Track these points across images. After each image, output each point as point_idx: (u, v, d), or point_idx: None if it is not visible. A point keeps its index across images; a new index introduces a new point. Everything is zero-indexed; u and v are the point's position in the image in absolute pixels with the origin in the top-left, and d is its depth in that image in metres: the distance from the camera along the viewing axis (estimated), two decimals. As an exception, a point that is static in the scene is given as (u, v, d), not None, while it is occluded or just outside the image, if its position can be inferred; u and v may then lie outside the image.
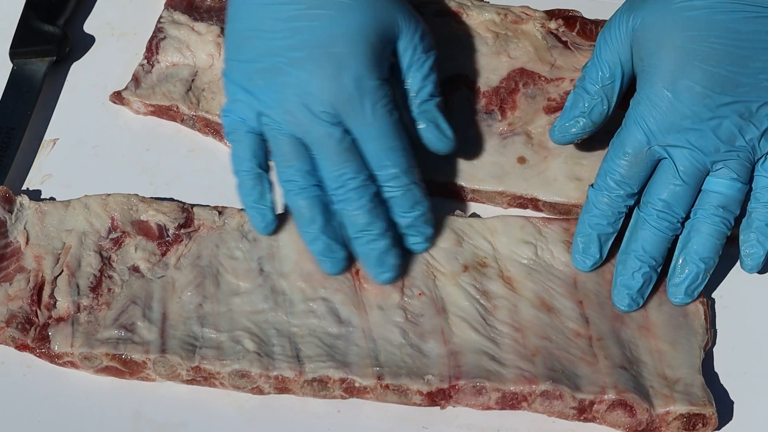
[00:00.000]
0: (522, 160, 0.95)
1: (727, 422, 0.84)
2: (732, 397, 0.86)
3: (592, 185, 0.90)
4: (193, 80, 1.00)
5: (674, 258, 0.88)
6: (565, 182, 0.94)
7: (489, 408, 0.84)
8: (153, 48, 1.01)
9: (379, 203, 0.88)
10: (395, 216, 0.89)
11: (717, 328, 0.89)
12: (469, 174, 0.95)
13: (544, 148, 0.96)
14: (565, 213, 0.94)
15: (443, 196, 0.96)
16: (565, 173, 0.94)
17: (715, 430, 0.83)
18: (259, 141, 0.89)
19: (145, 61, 1.01)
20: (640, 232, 0.88)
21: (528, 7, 1.02)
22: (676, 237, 0.88)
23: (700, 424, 0.82)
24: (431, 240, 0.90)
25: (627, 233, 0.89)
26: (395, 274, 0.88)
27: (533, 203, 0.94)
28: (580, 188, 0.94)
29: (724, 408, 0.85)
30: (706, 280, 0.88)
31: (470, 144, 0.96)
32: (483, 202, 0.96)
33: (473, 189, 0.95)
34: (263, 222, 0.90)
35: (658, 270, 0.88)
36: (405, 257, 0.89)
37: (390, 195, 0.88)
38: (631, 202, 0.89)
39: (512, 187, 0.94)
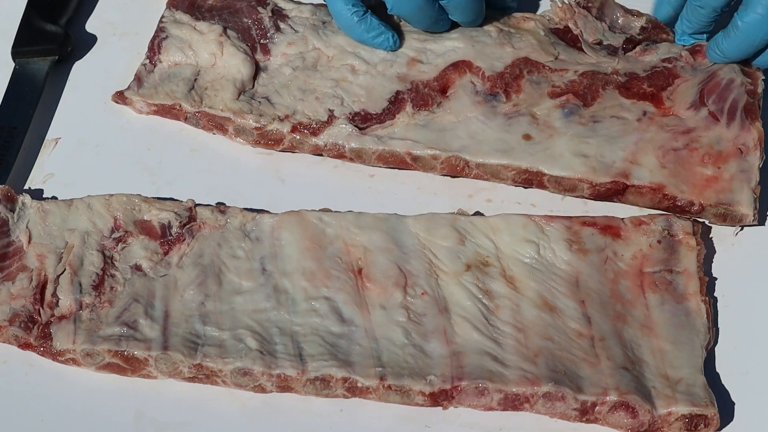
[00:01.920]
0: (527, 137, 0.95)
1: (728, 423, 0.85)
2: (733, 398, 0.86)
3: None
4: (195, 79, 1.00)
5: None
6: (571, 158, 0.94)
7: (491, 409, 0.84)
8: (155, 47, 1.01)
9: None
10: None
11: (719, 326, 0.89)
12: (474, 148, 0.95)
13: (550, 127, 0.95)
14: (571, 189, 0.94)
15: (448, 175, 0.96)
16: (571, 150, 0.94)
17: (717, 430, 0.83)
18: None
19: (147, 60, 1.01)
20: None
21: (529, 13, 1.03)
22: None
23: (702, 425, 0.82)
24: None
25: None
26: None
27: (538, 179, 0.94)
28: (586, 164, 0.93)
29: (725, 408, 0.85)
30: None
31: (474, 122, 0.96)
32: (487, 179, 0.96)
33: (478, 163, 0.95)
34: (389, 42, 1.00)
35: None
36: (406, 255, 0.89)
37: None
38: None
39: (517, 161, 0.94)
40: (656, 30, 1.01)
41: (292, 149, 0.98)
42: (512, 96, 0.97)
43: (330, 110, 0.97)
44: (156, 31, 1.02)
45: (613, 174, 0.93)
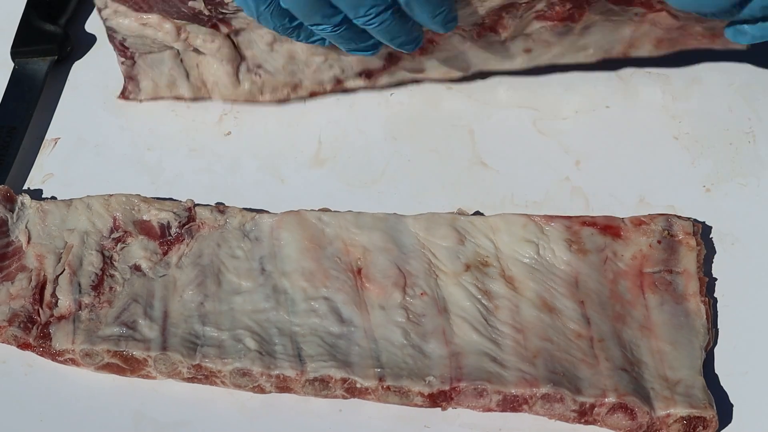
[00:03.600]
0: (528, 50, 0.99)
1: (727, 425, 0.84)
2: (732, 400, 0.85)
3: None
4: (181, 60, 0.98)
5: None
6: (572, 54, 0.99)
7: (490, 410, 0.84)
8: (120, 46, 0.98)
9: None
10: None
11: (718, 327, 0.89)
12: (479, 58, 1.00)
13: (546, 41, 0.98)
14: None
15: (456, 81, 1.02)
16: (570, 49, 0.98)
17: (715, 432, 0.83)
18: None
19: (123, 57, 0.98)
20: None
21: None
22: None
23: (701, 427, 0.82)
24: None
25: None
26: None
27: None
28: (587, 55, 0.99)
29: (724, 410, 0.84)
30: None
31: (473, 49, 0.99)
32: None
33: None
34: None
35: None
36: (405, 255, 0.89)
37: None
38: None
39: (520, 65, 1.00)
40: None
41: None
42: (500, 31, 0.97)
43: (336, 76, 1.00)
44: (108, 32, 0.97)
45: (614, 55, 0.99)
